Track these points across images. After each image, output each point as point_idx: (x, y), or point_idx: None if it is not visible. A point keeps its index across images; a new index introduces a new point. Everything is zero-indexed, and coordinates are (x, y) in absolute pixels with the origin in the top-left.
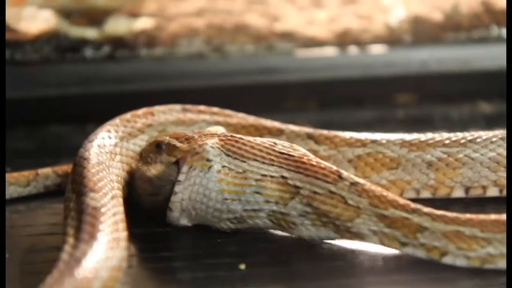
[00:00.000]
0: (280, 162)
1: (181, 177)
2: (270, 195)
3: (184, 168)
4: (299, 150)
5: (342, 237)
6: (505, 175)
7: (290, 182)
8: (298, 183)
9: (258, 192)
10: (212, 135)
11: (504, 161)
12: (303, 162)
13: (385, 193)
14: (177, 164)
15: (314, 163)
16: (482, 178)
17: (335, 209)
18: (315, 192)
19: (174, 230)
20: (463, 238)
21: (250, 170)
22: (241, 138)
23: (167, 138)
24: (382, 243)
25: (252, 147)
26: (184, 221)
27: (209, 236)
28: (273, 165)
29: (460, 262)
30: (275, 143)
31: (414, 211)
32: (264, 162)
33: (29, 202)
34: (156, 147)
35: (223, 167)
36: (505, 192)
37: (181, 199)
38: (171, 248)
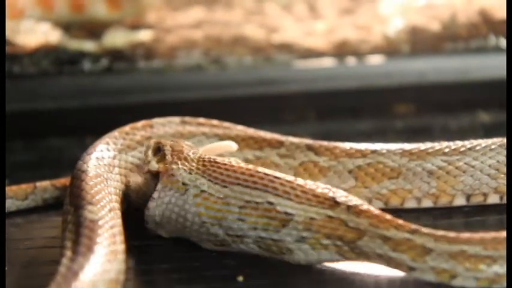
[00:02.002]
0: (265, 185)
1: (155, 194)
2: (255, 223)
3: (159, 186)
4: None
5: (346, 258)
6: (505, 182)
7: (278, 208)
8: (289, 210)
9: (241, 220)
10: (198, 158)
11: (504, 168)
12: (292, 188)
13: (383, 214)
14: (155, 177)
15: (306, 190)
16: (483, 185)
17: (337, 232)
18: (311, 218)
19: (171, 242)
20: (468, 258)
21: (232, 195)
22: (224, 164)
23: (168, 145)
24: (390, 266)
25: (235, 171)
26: (161, 233)
27: (206, 248)
28: (256, 189)
29: (470, 284)
30: (256, 167)
31: (415, 231)
32: (246, 186)
33: (27, 215)
34: (155, 149)
35: (202, 191)
36: (505, 200)
37: (154, 215)
38: (169, 260)
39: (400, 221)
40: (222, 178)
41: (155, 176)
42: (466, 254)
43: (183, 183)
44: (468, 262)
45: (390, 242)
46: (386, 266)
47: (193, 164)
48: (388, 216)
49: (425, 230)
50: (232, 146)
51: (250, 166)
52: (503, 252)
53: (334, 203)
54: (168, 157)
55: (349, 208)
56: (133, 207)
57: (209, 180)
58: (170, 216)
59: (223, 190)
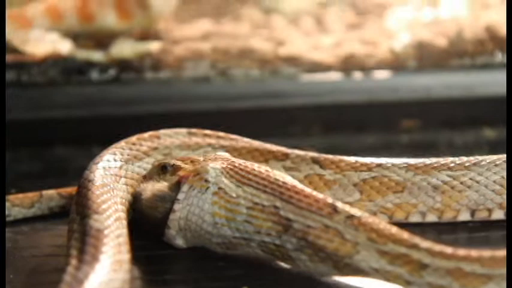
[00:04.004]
0: (273, 189)
1: (180, 195)
2: (260, 226)
3: (185, 187)
4: (292, 181)
5: (343, 274)
6: None
7: (282, 213)
8: (290, 216)
9: (248, 222)
10: (216, 158)
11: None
12: (296, 192)
13: (382, 226)
14: (177, 183)
15: (307, 194)
16: (487, 201)
17: (331, 244)
18: (308, 226)
19: (177, 252)
20: (464, 275)
21: (243, 196)
22: (241, 164)
23: (173, 160)
24: (387, 280)
25: (248, 172)
26: (179, 241)
27: (212, 259)
28: (265, 192)
29: None
30: (271, 171)
31: (413, 246)
32: (257, 188)
33: (33, 223)
34: (162, 169)
35: (220, 188)
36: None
37: (179, 217)
38: (174, 271)
39: (399, 235)
40: (237, 177)
41: (175, 183)
42: (463, 271)
43: (206, 180)
44: (465, 279)
45: (387, 256)
46: (383, 281)
47: (216, 162)
48: (388, 230)
49: (424, 244)
50: (226, 156)
51: (264, 169)
52: (499, 271)
53: (334, 210)
54: (186, 165)
55: (348, 218)
56: (143, 217)
57: (226, 177)
58: (191, 219)
59: (236, 189)
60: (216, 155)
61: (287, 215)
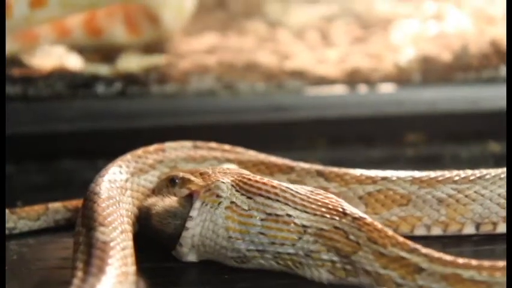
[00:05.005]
0: (286, 198)
1: (193, 212)
2: (274, 236)
3: (197, 204)
4: (302, 189)
5: (335, 277)
6: None
7: (297, 221)
8: (305, 223)
9: (262, 233)
10: (225, 172)
11: None
12: (310, 202)
13: (385, 229)
14: (188, 198)
15: (321, 202)
16: (492, 214)
17: (337, 244)
18: (321, 229)
19: (182, 264)
20: (461, 281)
21: (255, 207)
22: (253, 176)
23: (181, 173)
24: (378, 284)
25: (258, 183)
26: (192, 258)
27: (217, 271)
28: (278, 201)
29: None
30: (279, 182)
31: (413, 251)
32: (269, 198)
33: (39, 236)
34: (170, 182)
35: (232, 202)
36: None
37: (193, 235)
38: (179, 283)
39: (401, 239)
40: (247, 188)
41: (185, 197)
42: (460, 277)
43: (217, 196)
44: (461, 285)
45: (383, 259)
46: (374, 285)
47: (225, 177)
48: (390, 233)
49: (424, 250)
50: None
51: (268, 179)
52: (499, 279)
53: (343, 214)
54: (195, 179)
55: (354, 220)
56: (153, 233)
57: (237, 191)
58: (205, 235)
59: (248, 201)
60: (224, 168)
61: (302, 222)
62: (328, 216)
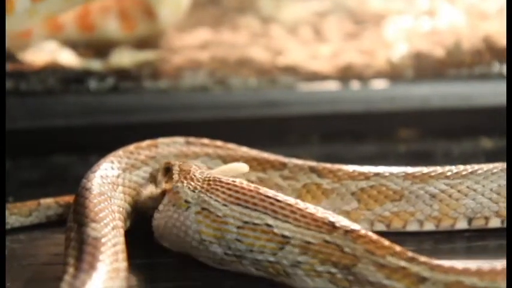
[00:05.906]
0: (265, 207)
1: (160, 207)
2: (252, 244)
3: (165, 200)
4: (285, 197)
5: (339, 285)
6: (506, 205)
7: (276, 230)
8: (286, 233)
9: (239, 240)
10: (204, 178)
11: (505, 192)
12: (292, 211)
13: (381, 239)
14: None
15: (305, 213)
16: (484, 209)
17: (331, 257)
18: (308, 242)
19: (174, 260)
20: None
21: (231, 215)
22: (228, 183)
23: (177, 166)
24: None
25: (237, 191)
26: (166, 244)
27: (209, 267)
28: (256, 210)
29: None
30: (262, 188)
31: (412, 260)
32: (246, 207)
33: (30, 232)
34: (165, 169)
35: (203, 209)
36: (506, 223)
37: (157, 225)
38: (171, 279)
39: (398, 248)
40: (224, 197)
41: (163, 193)
42: (463, 284)
43: (186, 201)
44: None
45: (385, 270)
46: None
47: (198, 183)
48: (386, 243)
49: (422, 258)
50: (244, 167)
51: (253, 186)
52: (499, 284)
53: (332, 228)
54: (175, 176)
55: (346, 233)
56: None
57: (210, 198)
58: (172, 230)
59: (223, 209)
60: (229, 166)
61: (283, 232)
62: (313, 228)
